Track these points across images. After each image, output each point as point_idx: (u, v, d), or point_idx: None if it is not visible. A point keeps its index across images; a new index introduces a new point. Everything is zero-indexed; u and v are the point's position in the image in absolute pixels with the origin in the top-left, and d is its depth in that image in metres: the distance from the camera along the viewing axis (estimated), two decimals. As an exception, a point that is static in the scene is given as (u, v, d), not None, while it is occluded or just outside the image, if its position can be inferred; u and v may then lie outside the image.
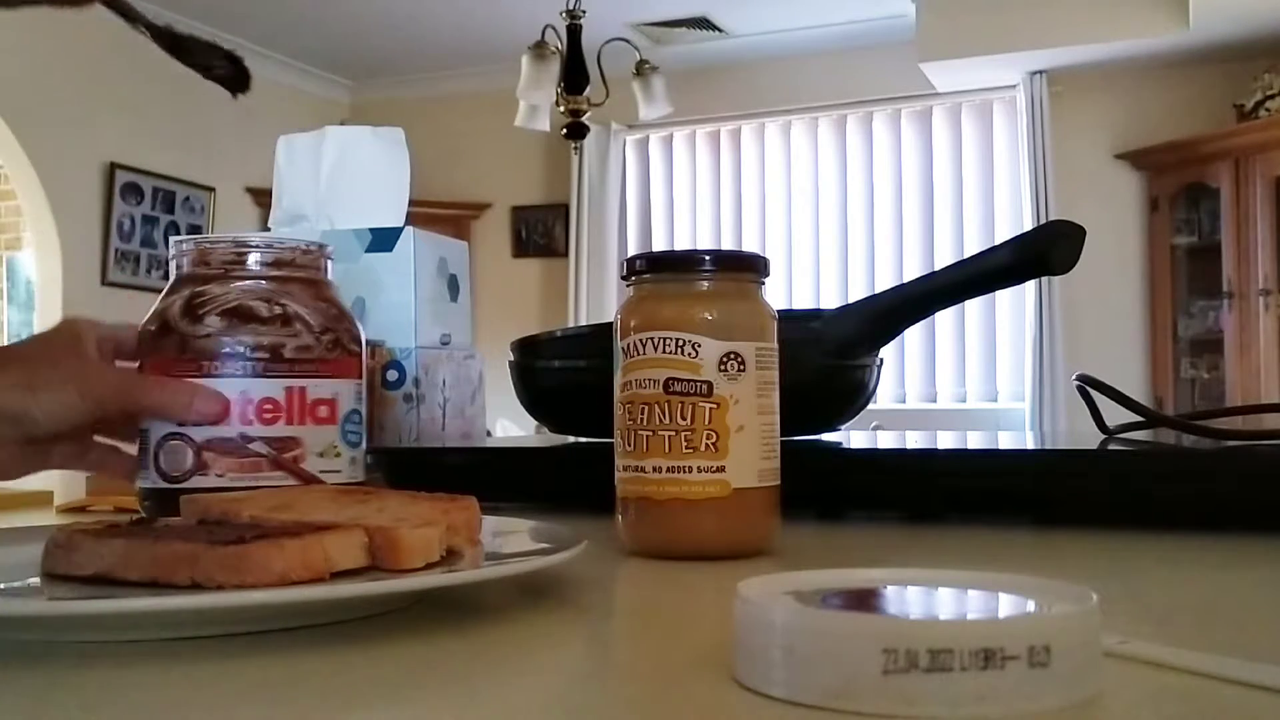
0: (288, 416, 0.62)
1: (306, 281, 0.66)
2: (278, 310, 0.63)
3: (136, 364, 0.64)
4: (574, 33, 3.99)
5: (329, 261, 0.68)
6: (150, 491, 0.63)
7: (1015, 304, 5.07)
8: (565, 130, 4.05)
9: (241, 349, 0.62)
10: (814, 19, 5.24)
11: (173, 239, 0.67)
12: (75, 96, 4.94)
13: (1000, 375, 5.20)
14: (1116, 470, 0.74)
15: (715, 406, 0.57)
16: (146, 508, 0.64)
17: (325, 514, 0.50)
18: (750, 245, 5.52)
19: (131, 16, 0.70)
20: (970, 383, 5.26)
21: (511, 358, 0.93)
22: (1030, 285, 4.80)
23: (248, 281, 0.64)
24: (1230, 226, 4.52)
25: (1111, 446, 0.81)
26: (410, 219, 1.12)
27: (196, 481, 0.61)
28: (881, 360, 0.90)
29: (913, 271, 5.15)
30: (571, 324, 5.60)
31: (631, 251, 5.74)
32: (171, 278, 0.66)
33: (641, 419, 0.58)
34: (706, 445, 0.57)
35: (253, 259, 0.64)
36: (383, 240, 1.04)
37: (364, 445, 0.67)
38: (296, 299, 0.64)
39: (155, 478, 0.63)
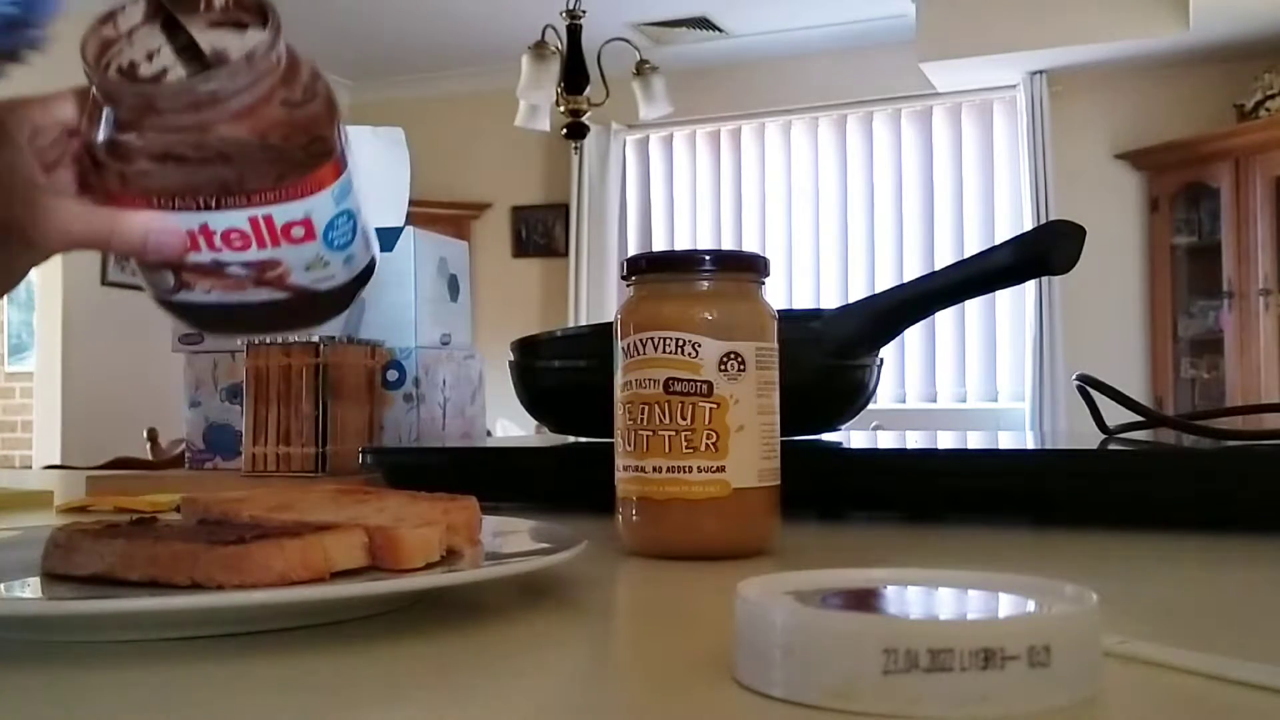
0: (259, 242, 0.56)
1: (243, 112, 0.54)
2: (210, 150, 0.54)
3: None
4: (574, 33, 3.99)
5: (275, 55, 0.55)
6: (154, 297, 0.59)
7: (1015, 304, 5.07)
8: (565, 130, 4.05)
9: (187, 187, 0.54)
10: (814, 19, 5.24)
11: (82, 43, 0.55)
12: (75, 96, 4.94)
13: (1000, 375, 5.20)
14: (1116, 470, 0.74)
15: (715, 406, 0.57)
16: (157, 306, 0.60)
17: (325, 514, 0.50)
18: (750, 245, 5.52)
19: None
20: (970, 383, 5.25)
21: (511, 358, 0.93)
22: (1030, 285, 4.80)
23: (166, 123, 0.54)
24: (1230, 226, 4.52)
25: (1111, 446, 0.81)
26: (410, 219, 1.12)
27: (184, 296, 0.57)
28: (881, 360, 0.90)
29: (913, 271, 5.15)
30: (571, 324, 5.60)
31: (631, 251, 5.74)
32: (89, 86, 0.55)
33: (642, 419, 0.58)
34: (706, 445, 0.57)
35: (163, 105, 0.53)
36: (383, 240, 1.04)
37: (357, 238, 0.59)
38: (228, 133, 0.54)
39: (147, 286, 0.59)
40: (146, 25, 0.57)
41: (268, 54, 0.55)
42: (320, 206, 0.57)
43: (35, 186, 0.55)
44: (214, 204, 0.55)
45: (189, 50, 0.58)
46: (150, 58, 0.57)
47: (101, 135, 0.55)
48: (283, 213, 0.56)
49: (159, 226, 0.55)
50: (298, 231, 0.56)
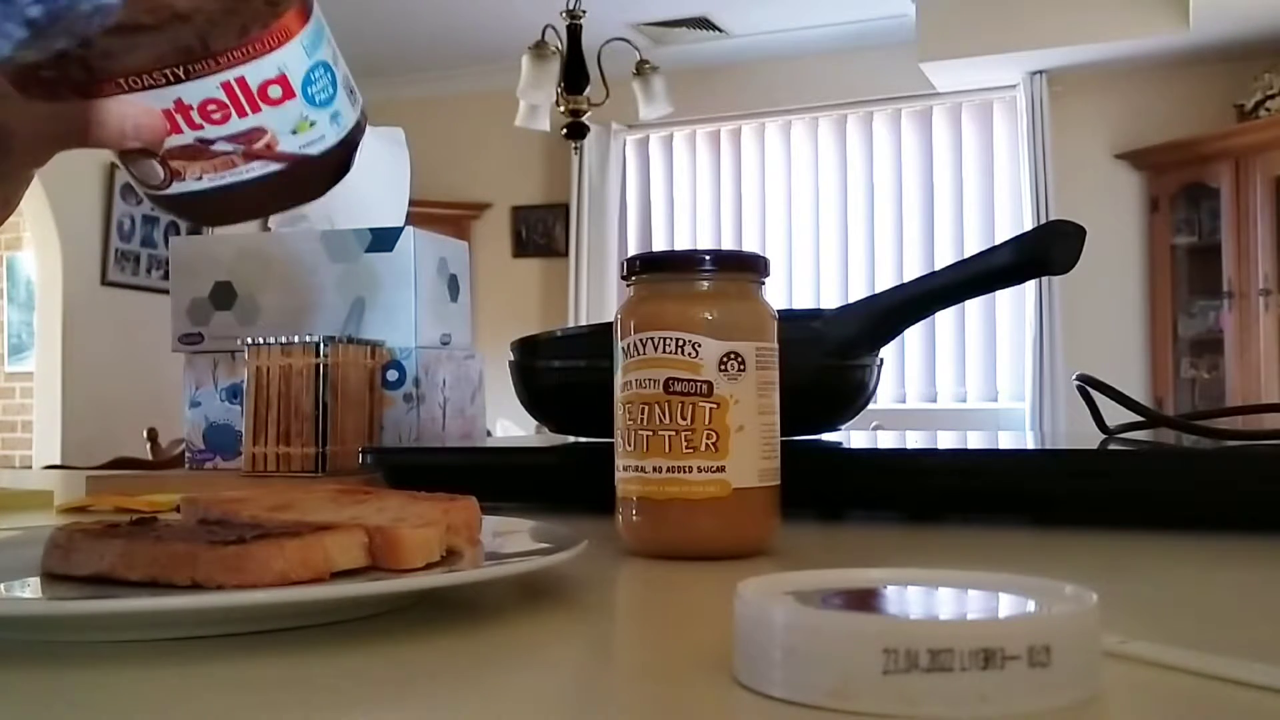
0: (238, 110, 0.54)
1: None
2: (165, 11, 0.52)
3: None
4: (574, 33, 3.99)
5: None
6: (148, 194, 0.58)
7: (1015, 304, 5.07)
8: (565, 130, 4.05)
9: (153, 59, 0.53)
10: (814, 19, 5.24)
11: None
12: (75, 96, 4.93)
13: (1000, 375, 5.20)
14: (1116, 470, 0.74)
15: (715, 406, 0.57)
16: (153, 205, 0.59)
17: (325, 514, 0.50)
18: (750, 245, 5.52)
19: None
20: (970, 383, 5.26)
21: (511, 358, 0.93)
22: (1030, 285, 4.80)
23: None
24: (1230, 226, 4.52)
25: (1111, 446, 0.81)
26: (410, 219, 1.12)
27: (179, 188, 0.56)
28: (881, 360, 0.90)
29: (913, 271, 5.15)
30: (571, 324, 5.60)
31: (631, 251, 5.74)
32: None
33: (642, 419, 0.58)
34: (707, 445, 0.57)
35: None
36: (383, 240, 1.04)
37: (338, 92, 0.58)
38: None
39: (140, 186, 0.57)
40: None
41: None
42: (293, 58, 0.55)
43: (3, 95, 0.53)
44: (183, 74, 0.53)
45: None
46: None
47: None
48: (255, 71, 0.54)
49: (135, 110, 0.53)
50: (274, 91, 0.55)
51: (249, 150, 0.55)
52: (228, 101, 0.54)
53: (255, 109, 0.54)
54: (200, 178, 0.55)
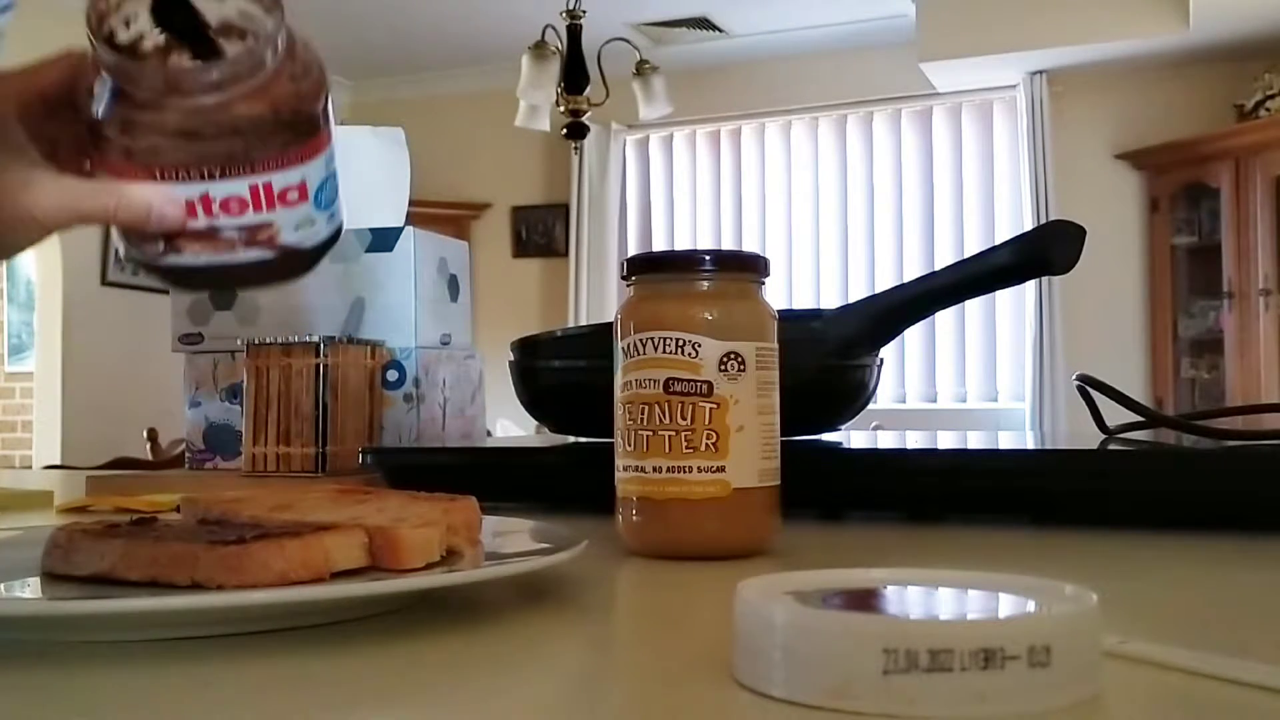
0: (255, 207, 0.57)
1: (255, 91, 0.56)
2: (225, 127, 0.56)
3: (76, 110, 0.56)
4: (574, 33, 3.99)
5: (280, 37, 0.56)
6: (132, 259, 0.60)
7: (1015, 304, 5.07)
8: (565, 130, 4.05)
9: (195, 159, 0.55)
10: (814, 19, 5.24)
11: (89, 17, 0.55)
12: (75, 96, 4.93)
13: (1000, 375, 5.20)
14: (1116, 470, 0.74)
15: (715, 406, 0.57)
16: (125, 260, 0.61)
17: (325, 514, 0.50)
18: (750, 245, 5.52)
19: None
20: (970, 383, 5.25)
21: (511, 358, 0.93)
22: (1030, 285, 4.80)
23: (185, 105, 0.55)
24: (1230, 226, 4.52)
25: (1111, 446, 0.81)
26: (410, 219, 1.12)
27: (172, 260, 0.58)
28: (881, 360, 0.90)
29: (913, 271, 5.15)
30: (571, 324, 5.60)
31: (631, 251, 5.73)
32: (97, 62, 0.56)
33: (642, 419, 0.58)
34: (707, 445, 0.57)
35: (186, 85, 0.55)
36: (383, 240, 1.04)
37: (340, 199, 0.62)
38: (243, 110, 0.56)
39: (133, 251, 0.59)
40: (119, 50, 0.58)
41: (278, 33, 0.57)
42: (315, 170, 0.59)
43: (33, 162, 0.55)
44: (219, 174, 0.56)
45: (192, 29, 0.59)
46: (127, 24, 0.58)
47: (107, 112, 0.56)
48: (281, 179, 0.58)
49: (163, 198, 0.55)
50: (293, 195, 0.58)
51: (252, 239, 0.58)
52: (249, 200, 0.57)
53: (271, 208, 0.58)
54: (198, 255, 0.58)
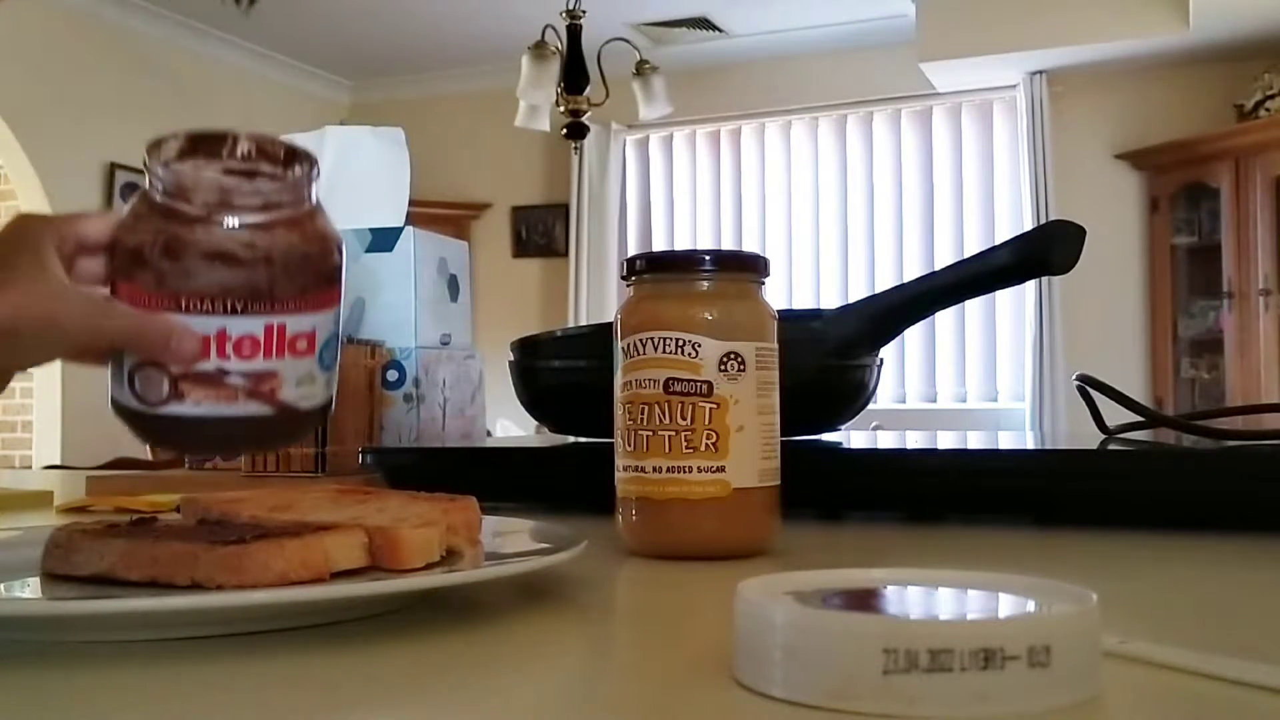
0: (266, 352, 0.60)
1: (290, 220, 0.61)
2: (260, 252, 0.59)
3: (101, 263, 0.59)
4: (574, 33, 3.99)
5: (315, 184, 0.63)
6: (125, 409, 0.61)
7: (1015, 304, 5.07)
8: (565, 130, 4.05)
9: (222, 289, 0.58)
10: (814, 19, 5.24)
11: (150, 145, 0.60)
12: (75, 96, 4.94)
13: (1000, 375, 5.20)
14: (1116, 470, 0.74)
15: (715, 406, 0.57)
16: (119, 418, 0.62)
17: (325, 514, 0.50)
18: (750, 245, 5.51)
19: None
20: (970, 383, 5.25)
21: (511, 358, 0.93)
22: (1030, 285, 4.80)
23: (231, 222, 0.59)
24: (1230, 226, 4.52)
25: (1111, 446, 0.81)
26: (410, 219, 1.12)
27: (172, 408, 0.60)
28: (881, 360, 0.90)
29: (913, 271, 5.14)
30: (571, 324, 5.60)
31: (631, 251, 5.73)
32: (142, 192, 0.60)
33: (641, 419, 0.58)
34: (706, 445, 0.57)
35: (238, 200, 0.59)
36: (383, 240, 1.04)
37: (338, 363, 0.65)
38: (280, 238, 0.60)
39: (130, 398, 0.60)
40: (180, 160, 0.60)
41: (315, 170, 0.61)
42: (324, 323, 0.62)
43: (62, 279, 0.56)
44: (240, 309, 0.58)
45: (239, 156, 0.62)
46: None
47: (152, 233, 0.58)
48: (295, 323, 0.60)
49: (179, 330, 0.57)
50: (301, 344, 0.60)
51: (254, 389, 0.59)
52: (263, 342, 0.59)
53: (280, 355, 0.59)
54: (199, 404, 0.59)
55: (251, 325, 0.59)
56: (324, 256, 0.62)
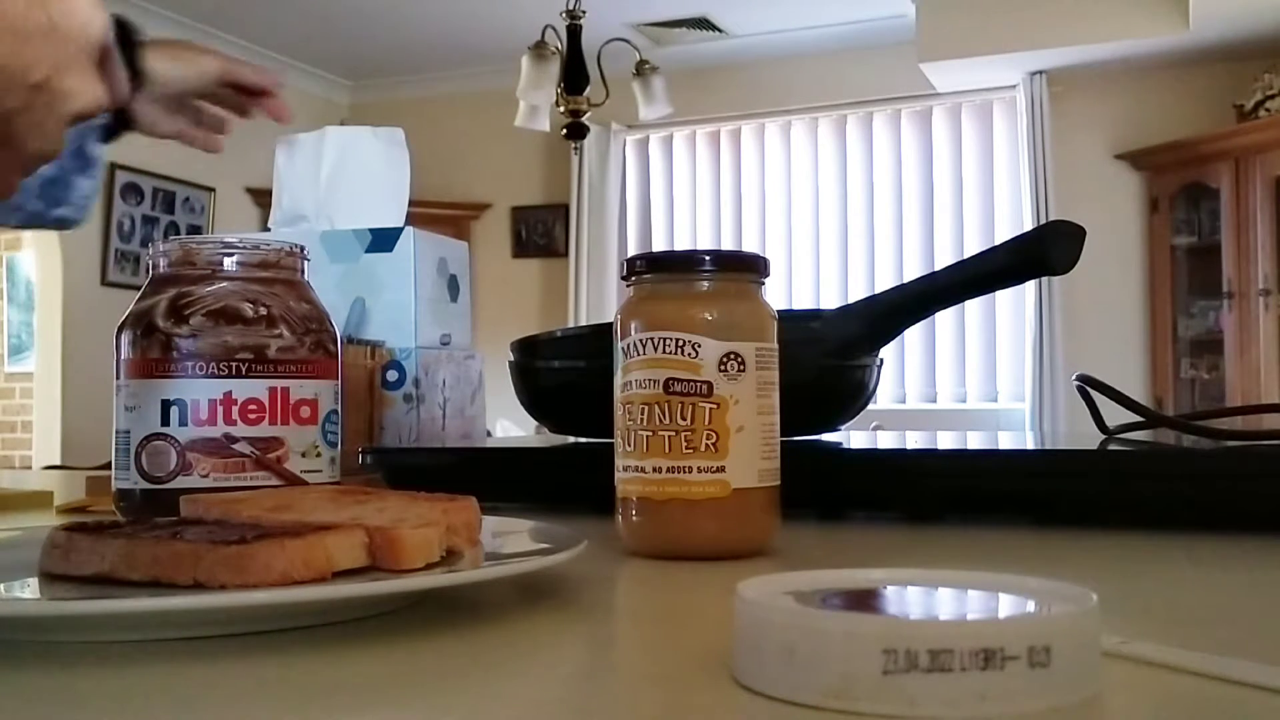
0: (271, 416, 0.62)
1: (288, 283, 0.66)
2: (262, 311, 0.63)
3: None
4: (574, 33, 3.99)
5: (306, 264, 0.69)
6: (129, 492, 0.63)
7: (1015, 304, 5.07)
8: (565, 130, 4.05)
9: (227, 349, 0.62)
10: (814, 19, 5.24)
11: (154, 241, 0.67)
12: (75, 96, 4.93)
13: (1000, 375, 5.20)
14: (1116, 470, 0.74)
15: (715, 406, 0.57)
16: (123, 509, 0.64)
17: (325, 514, 0.50)
18: (750, 245, 5.52)
19: None
20: (970, 383, 5.25)
21: (511, 358, 0.93)
22: (1030, 285, 4.80)
23: (233, 283, 0.63)
24: (1230, 226, 4.52)
25: (1111, 446, 0.81)
26: (410, 219, 1.12)
27: (180, 482, 0.61)
28: (881, 360, 0.90)
29: (913, 271, 5.15)
30: (571, 324, 5.60)
31: (631, 251, 5.74)
32: (150, 277, 0.65)
33: (641, 419, 0.58)
34: (706, 445, 0.57)
35: (237, 260, 0.64)
36: (383, 240, 1.04)
37: (340, 447, 0.68)
38: (280, 300, 0.64)
39: (136, 478, 0.62)
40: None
41: (304, 250, 0.68)
42: (325, 393, 0.65)
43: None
44: (245, 371, 0.62)
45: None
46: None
47: (164, 304, 0.63)
48: (298, 387, 0.63)
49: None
50: (304, 411, 0.63)
51: (261, 459, 0.62)
52: (267, 405, 0.62)
53: (285, 421, 0.63)
54: (206, 475, 0.61)
55: (255, 388, 0.62)
56: (322, 325, 0.66)
